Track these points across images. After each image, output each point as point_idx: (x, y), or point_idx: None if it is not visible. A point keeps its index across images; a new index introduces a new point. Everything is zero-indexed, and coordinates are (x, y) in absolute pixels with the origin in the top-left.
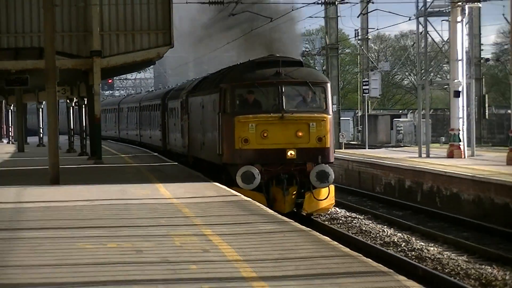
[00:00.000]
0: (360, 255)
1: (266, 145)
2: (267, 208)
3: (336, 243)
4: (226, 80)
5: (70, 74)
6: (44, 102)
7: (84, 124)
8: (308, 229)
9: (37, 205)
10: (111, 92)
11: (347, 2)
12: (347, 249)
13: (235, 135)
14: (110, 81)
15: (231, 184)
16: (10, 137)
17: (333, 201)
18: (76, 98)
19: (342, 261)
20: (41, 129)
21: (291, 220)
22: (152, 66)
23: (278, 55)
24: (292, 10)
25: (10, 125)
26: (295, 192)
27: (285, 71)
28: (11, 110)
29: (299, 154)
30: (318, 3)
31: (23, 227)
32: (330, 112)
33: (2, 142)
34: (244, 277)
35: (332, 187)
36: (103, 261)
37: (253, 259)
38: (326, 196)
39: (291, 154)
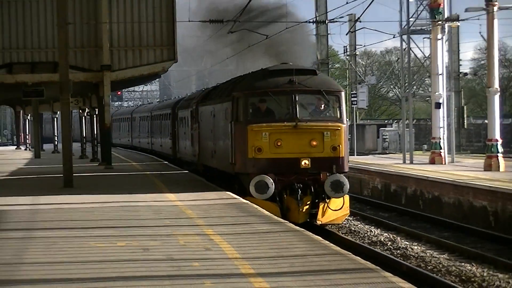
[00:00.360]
0: (350, 253)
1: (279, 154)
2: (264, 210)
3: (327, 242)
4: (239, 88)
5: (82, 86)
6: (58, 112)
7: (95, 132)
8: (302, 229)
9: (51, 207)
10: (120, 103)
11: (336, 21)
12: (337, 248)
13: (248, 144)
14: (119, 93)
15: (244, 193)
16: (27, 144)
17: (348, 211)
18: (87, 109)
19: (333, 258)
20: (56, 137)
21: (286, 221)
22: (157, 79)
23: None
24: (286, 28)
25: (27, 133)
26: (309, 202)
27: (299, 79)
28: (28, 119)
29: (313, 163)
30: (310, 22)
31: (38, 227)
32: (345, 121)
33: (20, 148)
34: (243, 274)
35: (346, 197)
36: (112, 258)
37: (251, 257)
38: (341, 206)
39: (305, 163)
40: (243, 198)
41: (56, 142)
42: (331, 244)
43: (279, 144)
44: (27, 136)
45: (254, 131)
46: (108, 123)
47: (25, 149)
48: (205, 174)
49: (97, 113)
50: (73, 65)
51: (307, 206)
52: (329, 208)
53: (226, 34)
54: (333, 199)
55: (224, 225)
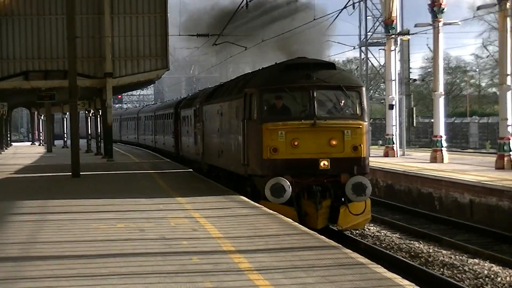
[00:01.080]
0: (316, 233)
1: (297, 155)
2: (243, 197)
3: (296, 223)
4: (252, 84)
5: (88, 91)
6: (67, 113)
7: (99, 130)
8: (275, 212)
9: (57, 207)
10: (120, 105)
11: None
12: (305, 228)
13: (263, 144)
14: (119, 96)
15: (257, 197)
16: (41, 141)
17: (370, 215)
18: (92, 110)
19: (302, 238)
20: (65, 134)
21: (262, 206)
22: (152, 84)
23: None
24: (263, 40)
25: (40, 131)
26: (328, 206)
27: (317, 74)
28: (41, 119)
29: (333, 164)
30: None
31: (49, 212)
32: (366, 119)
33: (34, 144)
34: (225, 251)
35: (368, 200)
36: (113, 238)
37: (232, 236)
38: (362, 210)
39: (324, 164)
40: (256, 202)
41: (65, 138)
42: (300, 225)
43: (296, 143)
44: (41, 133)
45: (269, 130)
46: (110, 122)
47: (39, 145)
48: (210, 174)
49: (100, 113)
50: (80, 72)
51: (326, 210)
52: (350, 212)
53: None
54: (354, 203)
55: (208, 209)
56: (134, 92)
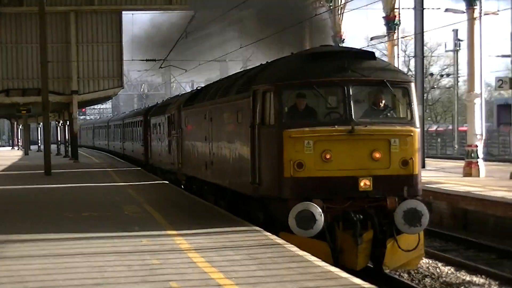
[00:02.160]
0: (243, 220)
1: (329, 172)
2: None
3: (223, 210)
4: (265, 79)
5: (57, 105)
6: (41, 123)
7: (67, 137)
8: (210, 204)
9: (36, 187)
10: (84, 116)
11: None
12: (234, 217)
13: (283, 157)
14: (83, 109)
15: (272, 225)
16: (19, 146)
17: (423, 251)
18: (61, 121)
19: (230, 222)
20: (39, 140)
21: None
22: (110, 100)
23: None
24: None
25: (19, 138)
26: (370, 240)
27: (353, 66)
28: (20, 128)
29: (376, 184)
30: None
31: (29, 201)
32: (417, 124)
33: (14, 148)
34: (169, 234)
35: (421, 232)
36: (78, 222)
37: (174, 222)
38: (415, 245)
39: (365, 184)
40: (272, 233)
41: (39, 144)
42: (229, 213)
43: (328, 157)
44: (19, 140)
45: (292, 138)
46: (76, 131)
47: (18, 149)
48: (189, 186)
49: (68, 124)
50: (51, 90)
51: (368, 245)
52: (399, 248)
53: (158, 68)
54: (404, 235)
55: (154, 199)
56: (95, 106)
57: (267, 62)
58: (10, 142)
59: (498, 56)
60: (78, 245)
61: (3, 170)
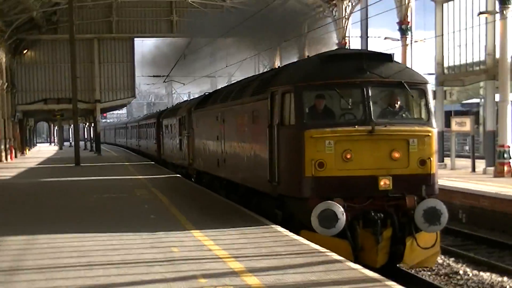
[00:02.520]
0: (234, 203)
1: (349, 171)
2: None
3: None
4: (284, 81)
5: (84, 111)
6: (72, 125)
7: (92, 136)
8: (201, 187)
9: (68, 174)
10: (105, 120)
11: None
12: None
13: (305, 156)
14: (104, 114)
15: (290, 223)
16: (55, 142)
17: (439, 249)
18: (88, 123)
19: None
20: (70, 138)
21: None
22: (125, 107)
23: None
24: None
25: (54, 136)
26: (389, 238)
27: (371, 67)
28: (55, 129)
29: (396, 183)
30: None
31: (61, 190)
32: (434, 124)
33: (51, 145)
34: (173, 213)
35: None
36: (101, 203)
37: (176, 203)
38: (433, 243)
39: (385, 183)
40: (291, 230)
41: (70, 141)
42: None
43: (348, 156)
44: (55, 138)
45: (313, 138)
46: (99, 131)
47: (54, 145)
48: (199, 180)
49: (92, 125)
50: (80, 99)
51: (387, 243)
52: (418, 245)
53: (162, 82)
54: (422, 234)
55: (166, 188)
56: (113, 112)
57: (278, 66)
58: (48, 139)
59: (425, 74)
60: (98, 208)
61: (44, 161)
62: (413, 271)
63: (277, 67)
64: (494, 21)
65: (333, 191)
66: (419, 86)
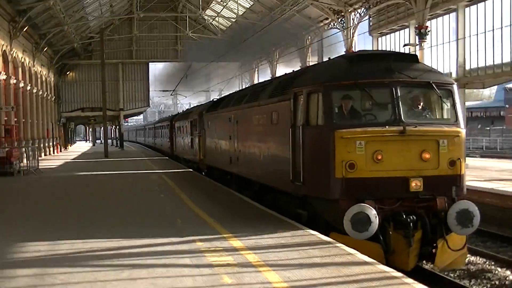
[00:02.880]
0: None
1: (380, 172)
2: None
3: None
4: (312, 80)
5: (111, 117)
6: (102, 127)
7: (117, 135)
8: (216, 182)
9: (100, 163)
10: (127, 123)
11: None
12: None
13: (335, 157)
14: (126, 119)
15: (314, 223)
16: (90, 140)
17: (466, 250)
18: (114, 125)
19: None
20: (101, 137)
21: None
22: (142, 114)
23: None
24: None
25: (89, 136)
26: (419, 240)
27: (398, 67)
28: (89, 130)
29: (426, 184)
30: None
31: (94, 171)
32: (462, 125)
33: (86, 142)
34: (204, 219)
35: None
36: (127, 186)
37: (191, 197)
38: (462, 245)
39: (416, 184)
40: (317, 231)
41: (101, 139)
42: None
43: (379, 157)
44: (90, 137)
45: (344, 139)
46: (122, 131)
47: (89, 142)
48: (210, 174)
49: (117, 127)
50: (108, 108)
51: (418, 246)
52: (449, 247)
53: (170, 95)
54: (452, 235)
55: (183, 180)
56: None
57: (300, 69)
58: (84, 138)
59: None
60: (124, 185)
61: (81, 154)
62: (437, 270)
63: (256, 82)
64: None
65: (364, 192)
66: (446, 86)
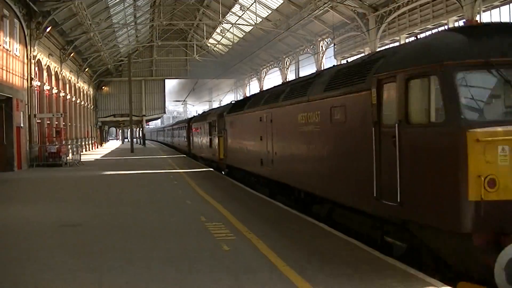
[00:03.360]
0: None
1: None
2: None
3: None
4: (412, 60)
5: (136, 121)
6: (129, 129)
7: (141, 135)
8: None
9: (126, 159)
10: (147, 126)
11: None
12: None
13: (468, 170)
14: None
15: (418, 261)
16: (119, 139)
17: None
18: (138, 128)
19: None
20: (128, 137)
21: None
22: (159, 119)
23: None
24: None
25: (119, 136)
26: None
27: None
28: (120, 131)
29: None
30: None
31: (120, 166)
32: None
33: (117, 140)
34: (199, 194)
35: None
36: (146, 176)
37: (198, 184)
38: None
39: None
40: (421, 271)
41: (128, 138)
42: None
43: None
44: (120, 136)
45: (481, 143)
46: (145, 132)
47: (119, 141)
48: (230, 172)
49: (141, 129)
50: (134, 114)
51: None
52: None
53: (181, 104)
54: None
55: (190, 170)
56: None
57: (371, 53)
58: (116, 137)
59: None
60: (142, 174)
61: (113, 150)
62: None
63: (248, 95)
64: None
65: (510, 223)
66: None
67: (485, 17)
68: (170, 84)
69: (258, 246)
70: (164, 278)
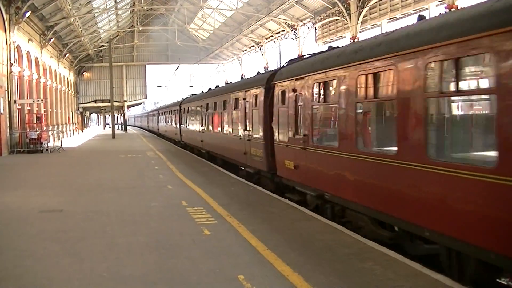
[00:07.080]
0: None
1: None
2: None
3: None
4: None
5: (117, 107)
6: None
7: (122, 121)
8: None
9: (107, 144)
10: (129, 112)
11: None
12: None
13: None
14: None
15: None
16: (101, 125)
17: None
18: (120, 113)
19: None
20: (110, 123)
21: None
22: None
23: None
24: None
25: (100, 122)
26: None
27: None
28: (101, 117)
29: None
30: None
31: (102, 150)
32: None
33: (98, 126)
34: (180, 178)
35: None
36: (127, 162)
37: (183, 173)
38: None
39: None
40: None
41: (109, 124)
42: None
43: None
44: (101, 122)
45: None
46: (126, 118)
47: (101, 126)
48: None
49: (122, 115)
50: (115, 100)
51: None
52: None
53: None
54: None
55: (180, 162)
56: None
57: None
58: (97, 123)
59: None
60: (123, 160)
61: (95, 135)
62: None
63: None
64: None
65: None
66: None
67: (466, 2)
68: (152, 70)
69: (239, 230)
70: (145, 262)
